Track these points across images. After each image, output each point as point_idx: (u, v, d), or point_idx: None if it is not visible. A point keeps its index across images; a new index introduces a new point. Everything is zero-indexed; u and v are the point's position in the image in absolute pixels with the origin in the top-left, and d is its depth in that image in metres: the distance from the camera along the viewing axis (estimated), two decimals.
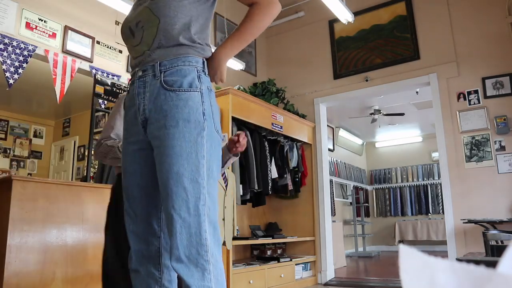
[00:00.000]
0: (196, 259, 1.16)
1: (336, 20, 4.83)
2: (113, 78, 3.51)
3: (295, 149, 4.84)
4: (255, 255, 4.52)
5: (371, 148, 10.30)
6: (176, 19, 1.28)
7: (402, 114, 7.40)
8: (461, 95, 4.18)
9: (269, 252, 4.48)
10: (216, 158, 1.28)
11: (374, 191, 9.96)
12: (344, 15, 4.31)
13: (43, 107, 7.07)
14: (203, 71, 1.31)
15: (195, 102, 1.24)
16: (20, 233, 1.93)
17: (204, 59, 1.33)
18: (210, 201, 1.22)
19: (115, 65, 3.72)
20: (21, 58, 3.03)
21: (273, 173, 4.40)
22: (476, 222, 3.67)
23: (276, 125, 4.41)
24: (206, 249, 1.16)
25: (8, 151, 7.09)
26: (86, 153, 5.29)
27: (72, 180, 6.53)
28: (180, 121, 1.21)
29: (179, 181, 1.18)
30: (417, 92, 6.01)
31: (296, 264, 4.42)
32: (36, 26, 3.21)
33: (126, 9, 3.33)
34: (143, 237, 1.33)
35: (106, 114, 6.07)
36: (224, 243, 3.21)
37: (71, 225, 2.17)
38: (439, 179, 8.47)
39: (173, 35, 1.29)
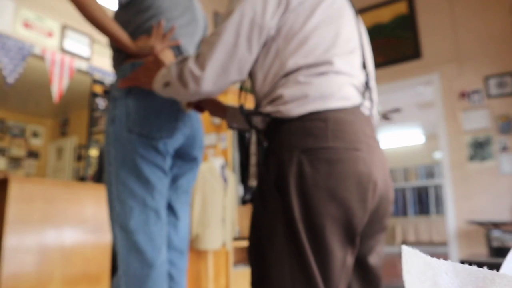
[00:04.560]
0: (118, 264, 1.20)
1: None
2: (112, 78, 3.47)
3: None
4: None
5: None
6: None
7: (397, 110, 7.29)
8: (464, 95, 4.15)
9: None
10: (124, 161, 1.17)
11: None
12: None
13: (41, 106, 7.01)
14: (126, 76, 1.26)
15: (109, 111, 1.24)
16: (17, 234, 1.90)
17: (134, 63, 1.26)
18: (120, 207, 1.17)
19: None
20: (18, 57, 2.99)
21: None
22: (478, 223, 3.64)
23: None
24: (119, 254, 1.18)
25: (5, 151, 7.05)
26: (84, 153, 5.25)
27: (70, 180, 6.49)
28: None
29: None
30: (419, 91, 5.98)
31: None
32: (33, 25, 3.16)
33: None
34: None
35: (104, 113, 6.07)
36: (224, 244, 3.17)
37: (69, 226, 2.13)
38: (441, 179, 8.45)
39: (111, 45, 1.33)
